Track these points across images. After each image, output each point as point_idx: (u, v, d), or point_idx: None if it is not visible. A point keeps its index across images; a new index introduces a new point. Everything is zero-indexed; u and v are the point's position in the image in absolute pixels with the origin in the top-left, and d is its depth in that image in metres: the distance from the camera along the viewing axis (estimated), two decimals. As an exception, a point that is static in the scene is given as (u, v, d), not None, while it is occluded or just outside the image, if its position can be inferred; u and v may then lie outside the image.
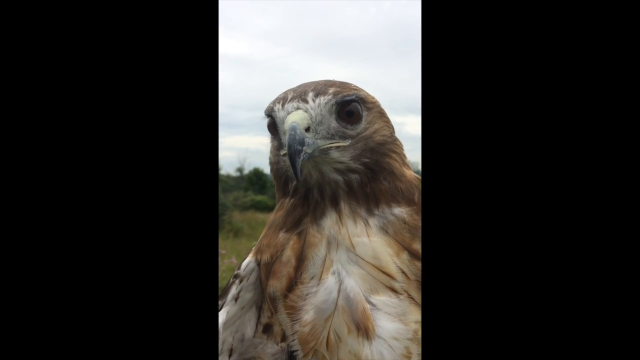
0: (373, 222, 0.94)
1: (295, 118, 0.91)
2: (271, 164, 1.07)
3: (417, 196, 0.98)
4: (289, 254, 0.95)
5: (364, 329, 0.88)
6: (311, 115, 0.93)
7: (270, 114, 0.98)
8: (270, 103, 0.99)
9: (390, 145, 1.00)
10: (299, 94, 0.95)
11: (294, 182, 0.97)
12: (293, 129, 0.89)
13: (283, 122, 0.93)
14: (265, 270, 0.99)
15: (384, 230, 0.94)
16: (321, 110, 0.94)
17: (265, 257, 0.98)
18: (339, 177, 0.95)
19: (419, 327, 0.90)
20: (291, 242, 0.96)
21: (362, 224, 0.94)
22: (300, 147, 0.88)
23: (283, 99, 0.96)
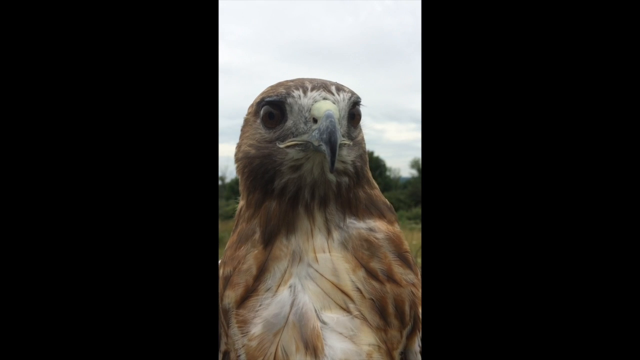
0: (336, 235, 0.93)
1: (330, 107, 0.88)
2: (251, 157, 0.97)
3: (386, 211, 0.99)
4: (250, 263, 0.93)
5: (312, 348, 0.86)
6: (339, 108, 0.91)
7: (281, 99, 0.92)
8: (281, 88, 0.93)
9: (366, 155, 1.02)
10: (321, 85, 0.92)
11: (284, 179, 0.92)
12: (331, 117, 0.85)
13: (308, 110, 0.89)
14: (223, 282, 0.97)
15: (343, 245, 0.93)
16: (344, 105, 0.93)
17: (227, 269, 0.96)
18: (333, 178, 0.93)
19: (372, 349, 0.88)
20: (255, 252, 0.93)
21: (325, 237, 0.93)
22: (340, 137, 0.85)
23: (302, 87, 0.91)
